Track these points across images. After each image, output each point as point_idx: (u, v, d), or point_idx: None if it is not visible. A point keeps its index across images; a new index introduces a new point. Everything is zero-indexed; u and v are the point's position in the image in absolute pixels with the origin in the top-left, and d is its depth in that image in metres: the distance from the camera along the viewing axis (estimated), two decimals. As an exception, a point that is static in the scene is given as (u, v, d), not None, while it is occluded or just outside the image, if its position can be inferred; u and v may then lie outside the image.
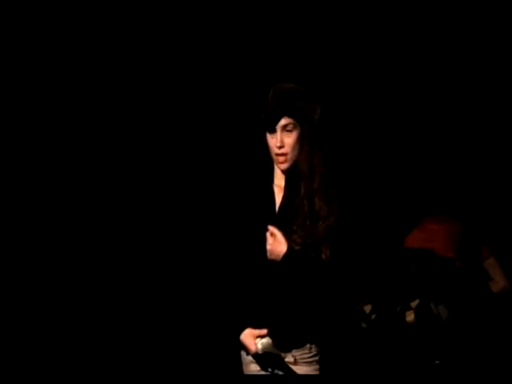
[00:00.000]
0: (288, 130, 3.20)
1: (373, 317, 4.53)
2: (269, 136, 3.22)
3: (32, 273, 5.04)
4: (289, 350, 3.17)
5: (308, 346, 3.20)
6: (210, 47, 5.27)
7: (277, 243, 3.14)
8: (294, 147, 3.19)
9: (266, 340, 3.09)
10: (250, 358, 3.20)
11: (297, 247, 3.14)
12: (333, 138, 3.38)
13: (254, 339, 3.12)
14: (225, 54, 5.27)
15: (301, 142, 3.20)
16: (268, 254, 3.15)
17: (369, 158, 5.38)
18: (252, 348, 3.12)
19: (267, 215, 3.22)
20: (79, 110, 5.20)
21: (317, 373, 3.19)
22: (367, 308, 4.57)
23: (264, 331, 3.12)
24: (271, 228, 3.14)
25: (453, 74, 5.36)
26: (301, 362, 3.19)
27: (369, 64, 5.35)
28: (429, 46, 5.32)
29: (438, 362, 4.45)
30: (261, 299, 3.18)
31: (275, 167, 3.27)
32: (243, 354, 3.24)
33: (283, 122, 3.19)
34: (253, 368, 3.21)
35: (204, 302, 4.94)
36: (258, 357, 3.15)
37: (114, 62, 5.21)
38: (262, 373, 3.18)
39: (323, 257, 3.15)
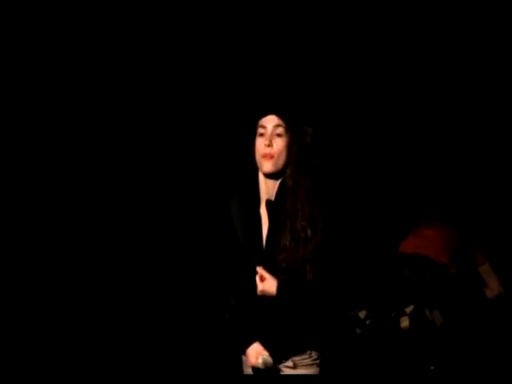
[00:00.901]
0: (278, 134, 3.20)
1: (367, 322, 4.52)
2: (257, 139, 3.22)
3: (30, 273, 5.04)
4: (287, 358, 3.21)
5: (308, 351, 3.23)
6: (197, 64, 5.30)
7: (267, 285, 3.17)
8: (281, 152, 3.19)
9: (268, 357, 3.17)
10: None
11: (281, 277, 3.16)
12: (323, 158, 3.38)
13: (257, 354, 3.17)
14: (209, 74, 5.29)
15: (288, 153, 3.20)
16: (259, 293, 3.18)
17: (362, 162, 5.38)
18: (253, 361, 3.18)
19: (254, 234, 3.23)
20: (78, 109, 5.20)
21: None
22: (362, 314, 4.56)
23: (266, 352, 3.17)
24: (260, 270, 3.16)
25: (448, 82, 5.37)
26: (300, 366, 3.22)
27: (360, 76, 5.37)
28: (424, 48, 5.32)
29: (432, 367, 4.44)
30: (259, 308, 3.21)
31: (262, 184, 3.25)
32: (244, 357, 3.29)
33: (275, 121, 3.20)
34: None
35: (206, 311, 4.95)
36: (256, 370, 3.21)
37: (107, 66, 5.21)
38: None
39: (308, 277, 3.18)
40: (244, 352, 3.23)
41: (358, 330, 4.55)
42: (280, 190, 3.22)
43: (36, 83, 5.10)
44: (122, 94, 5.24)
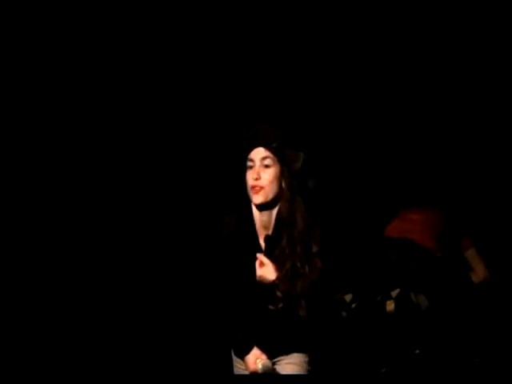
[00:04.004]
0: (266, 166, 3.19)
1: (353, 306, 4.53)
2: (247, 172, 3.22)
3: (28, 273, 5.04)
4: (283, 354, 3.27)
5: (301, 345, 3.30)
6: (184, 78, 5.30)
7: (266, 271, 3.17)
8: (270, 182, 3.18)
9: (267, 362, 3.20)
10: (241, 365, 3.31)
11: (280, 304, 3.18)
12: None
13: (256, 358, 3.20)
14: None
15: (279, 182, 3.19)
16: (258, 279, 3.18)
17: (349, 146, 5.39)
18: (251, 367, 3.20)
19: (249, 262, 3.22)
20: (75, 109, 5.20)
21: (307, 359, 3.28)
22: (347, 297, 4.56)
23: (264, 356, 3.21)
24: (260, 256, 3.17)
25: (433, 71, 5.38)
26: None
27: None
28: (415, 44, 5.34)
29: (417, 351, 4.45)
30: (253, 313, 3.24)
31: (256, 216, 3.24)
32: (235, 360, 3.34)
33: (262, 153, 3.19)
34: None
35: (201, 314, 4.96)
36: (255, 375, 3.23)
37: (102, 69, 5.22)
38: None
39: (300, 313, 3.19)
40: (243, 358, 3.25)
41: (344, 314, 4.56)
42: (277, 223, 3.22)
43: (36, 83, 5.10)
44: (118, 102, 5.25)
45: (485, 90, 5.31)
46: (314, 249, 3.19)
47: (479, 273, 4.77)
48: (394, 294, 4.46)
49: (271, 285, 3.17)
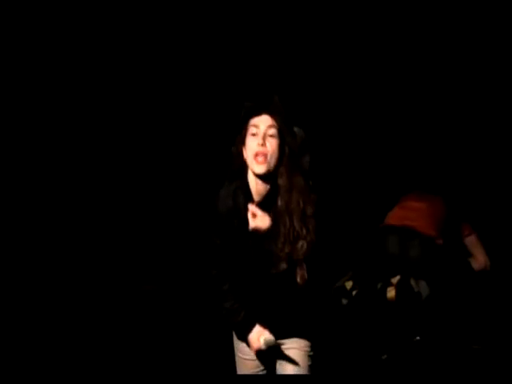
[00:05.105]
0: (271, 135, 3.14)
1: (354, 293, 4.54)
2: (249, 139, 3.16)
3: (26, 272, 5.06)
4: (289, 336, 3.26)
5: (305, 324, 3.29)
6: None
7: (259, 221, 3.13)
8: (274, 152, 3.13)
9: (269, 337, 3.17)
10: (243, 355, 3.30)
11: (283, 265, 3.15)
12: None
13: (259, 336, 3.18)
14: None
15: (281, 153, 3.16)
16: (252, 230, 3.15)
17: (350, 132, 5.39)
18: (256, 344, 3.19)
19: (244, 232, 3.18)
20: (73, 108, 5.21)
21: (308, 343, 3.27)
22: (348, 284, 4.57)
23: (266, 331, 3.19)
24: (251, 207, 3.14)
25: (428, 56, 5.38)
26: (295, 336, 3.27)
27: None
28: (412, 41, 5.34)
29: (418, 338, 4.46)
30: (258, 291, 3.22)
31: (252, 183, 3.21)
32: (237, 350, 3.33)
33: (269, 121, 3.15)
34: (247, 365, 3.31)
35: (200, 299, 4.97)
36: (259, 353, 3.22)
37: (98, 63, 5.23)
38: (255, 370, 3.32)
39: (298, 279, 3.17)
40: (246, 340, 3.23)
41: (345, 301, 4.56)
42: (272, 191, 3.19)
43: (36, 83, 5.12)
44: (115, 89, 5.25)
45: (483, 79, 5.31)
46: (309, 211, 3.16)
47: (480, 260, 4.78)
48: (395, 281, 4.47)
49: (275, 250, 3.15)
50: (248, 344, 3.24)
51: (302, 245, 3.14)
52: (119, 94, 5.27)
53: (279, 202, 3.17)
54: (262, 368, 3.30)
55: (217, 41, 5.28)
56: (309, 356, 3.27)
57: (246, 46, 5.28)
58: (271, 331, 3.19)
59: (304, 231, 3.15)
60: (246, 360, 3.31)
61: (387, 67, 5.41)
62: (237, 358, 3.36)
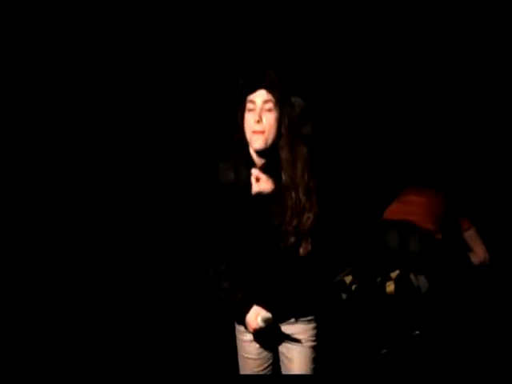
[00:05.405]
0: (268, 110, 3.14)
1: (353, 287, 4.54)
2: (247, 115, 3.16)
3: (24, 268, 5.06)
4: (291, 316, 3.24)
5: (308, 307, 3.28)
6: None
7: (262, 185, 3.16)
8: (271, 126, 3.14)
9: (266, 315, 3.16)
10: (244, 337, 3.28)
11: (292, 238, 3.15)
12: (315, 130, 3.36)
13: (256, 316, 3.17)
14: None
15: (279, 127, 3.15)
16: (256, 194, 3.16)
17: (351, 127, 5.39)
18: (254, 324, 3.18)
19: (246, 206, 3.18)
20: (73, 108, 5.22)
21: (314, 331, 3.26)
22: (347, 279, 4.58)
23: (263, 310, 3.18)
24: (254, 172, 3.15)
25: (427, 49, 5.38)
26: (301, 321, 3.25)
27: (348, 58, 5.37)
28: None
29: (417, 332, 4.46)
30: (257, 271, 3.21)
31: (254, 156, 3.20)
32: (238, 334, 3.31)
33: (264, 96, 3.15)
34: (250, 364, 3.30)
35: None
36: (258, 333, 3.21)
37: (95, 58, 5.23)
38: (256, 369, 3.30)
39: (301, 251, 3.17)
40: (243, 321, 3.22)
41: (344, 296, 4.57)
42: (271, 163, 3.19)
43: (36, 83, 5.11)
44: (110, 75, 5.26)
45: (482, 74, 5.31)
46: (312, 183, 3.17)
47: (479, 254, 4.78)
48: (394, 275, 4.47)
49: (283, 224, 3.15)
50: (246, 326, 3.23)
51: (308, 217, 3.15)
52: (115, 81, 5.26)
53: (283, 176, 3.17)
54: (265, 366, 3.29)
55: (213, 31, 5.27)
56: (313, 348, 3.27)
57: (240, 18, 5.28)
58: (273, 312, 3.17)
59: (309, 204, 3.16)
60: (249, 359, 3.30)
61: (386, 61, 5.41)
62: (240, 357, 3.35)
